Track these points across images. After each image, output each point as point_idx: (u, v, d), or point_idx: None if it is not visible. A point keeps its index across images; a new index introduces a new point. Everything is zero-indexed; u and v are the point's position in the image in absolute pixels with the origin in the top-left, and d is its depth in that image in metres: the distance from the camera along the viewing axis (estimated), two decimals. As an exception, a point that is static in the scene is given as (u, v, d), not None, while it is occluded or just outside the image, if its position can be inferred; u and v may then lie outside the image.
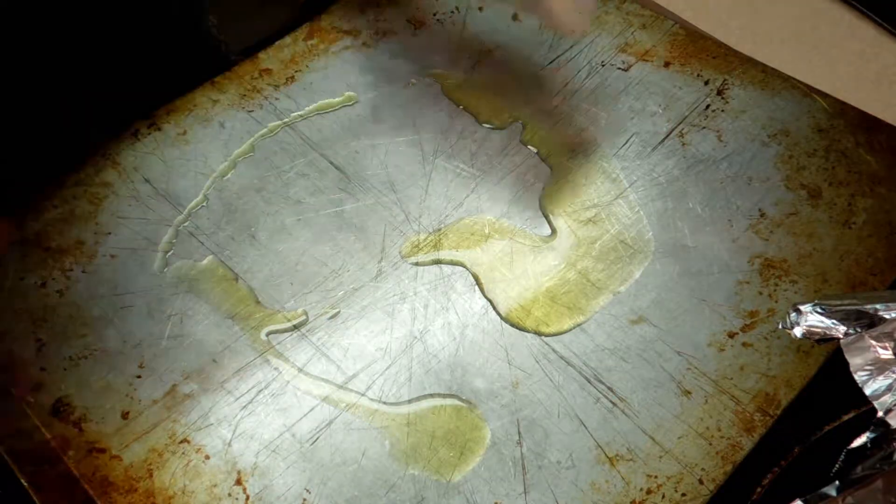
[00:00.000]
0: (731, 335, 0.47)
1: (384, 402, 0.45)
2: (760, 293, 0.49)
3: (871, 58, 0.59)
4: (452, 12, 0.64)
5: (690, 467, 0.43)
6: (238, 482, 0.43)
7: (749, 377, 0.46)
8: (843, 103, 0.56)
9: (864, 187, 0.53)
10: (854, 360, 0.38)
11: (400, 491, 0.43)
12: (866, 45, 0.60)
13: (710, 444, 0.44)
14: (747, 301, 0.48)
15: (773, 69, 0.59)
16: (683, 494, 0.42)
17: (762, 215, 0.52)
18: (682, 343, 0.47)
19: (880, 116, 0.55)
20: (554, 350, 0.47)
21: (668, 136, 0.56)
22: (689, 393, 0.45)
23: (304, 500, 0.42)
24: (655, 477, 0.43)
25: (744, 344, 0.47)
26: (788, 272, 0.49)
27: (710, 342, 0.47)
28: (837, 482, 0.37)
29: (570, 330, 0.48)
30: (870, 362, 0.38)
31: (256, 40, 0.62)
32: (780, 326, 0.42)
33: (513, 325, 0.48)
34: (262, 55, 0.62)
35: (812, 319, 0.41)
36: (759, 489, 0.42)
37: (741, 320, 0.48)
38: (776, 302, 0.48)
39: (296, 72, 0.61)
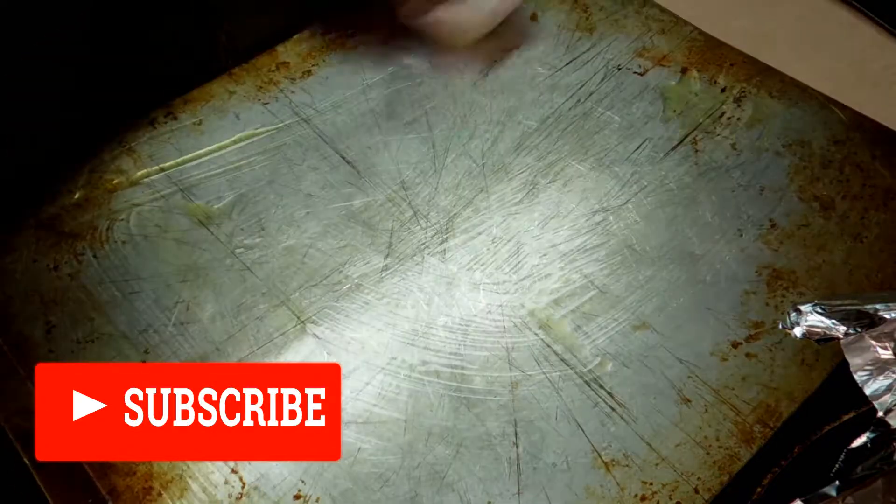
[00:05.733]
0: (735, 345, 0.47)
1: (382, 397, 0.46)
2: (767, 304, 0.48)
3: (871, 58, 0.58)
4: (471, 11, 0.64)
5: (686, 476, 0.43)
6: (234, 470, 0.43)
7: (750, 388, 0.45)
8: (862, 115, 0.55)
9: (878, 201, 0.52)
10: (854, 360, 0.38)
11: (394, 486, 0.43)
12: (866, 45, 0.59)
13: (708, 454, 0.44)
14: (753, 311, 0.48)
15: (791, 78, 0.58)
16: (678, 503, 0.42)
17: (773, 225, 0.51)
18: (684, 351, 0.47)
19: (879, 117, 0.54)
20: (555, 352, 0.47)
21: (681, 142, 0.56)
22: (689, 401, 0.45)
23: (300, 490, 0.43)
24: (650, 484, 0.43)
25: (747, 354, 0.47)
26: (796, 284, 0.49)
27: (713, 351, 0.47)
28: (837, 482, 0.37)
29: (573, 333, 0.48)
30: (870, 362, 0.38)
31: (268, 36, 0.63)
32: (780, 326, 0.41)
33: (515, 325, 0.48)
34: (279, 48, 0.63)
35: (812, 319, 0.40)
36: (758, 489, 0.42)
37: (746, 330, 0.47)
38: (782, 314, 0.48)
39: (312, 65, 0.62)
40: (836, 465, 0.38)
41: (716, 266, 0.50)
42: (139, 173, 0.55)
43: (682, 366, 0.46)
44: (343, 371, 0.47)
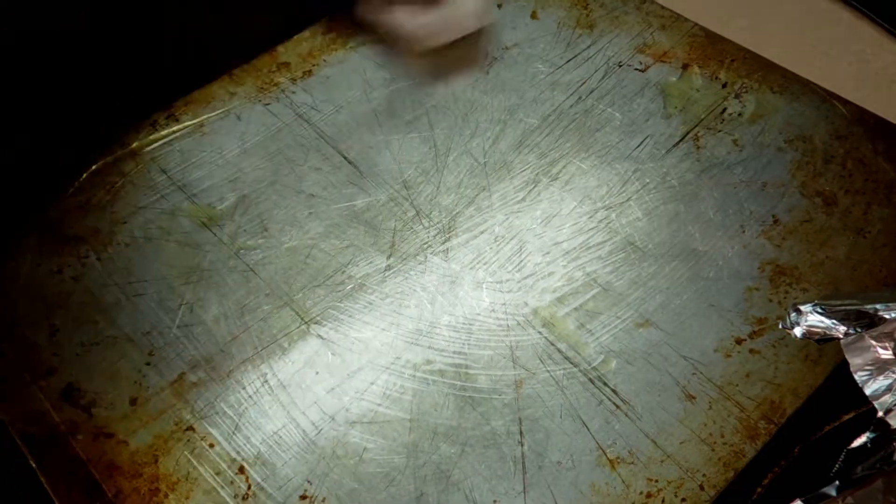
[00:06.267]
0: (739, 341, 0.47)
1: (387, 397, 0.46)
2: (770, 300, 0.48)
3: (870, 58, 0.58)
4: (471, 9, 0.64)
5: (691, 473, 0.43)
6: (241, 471, 0.43)
7: (755, 384, 0.45)
8: (864, 110, 0.55)
9: (880, 196, 0.52)
10: (854, 360, 0.38)
11: (400, 486, 0.43)
12: (866, 45, 0.59)
13: (713, 451, 0.44)
14: (756, 308, 0.48)
15: (793, 74, 0.58)
16: (683, 500, 0.42)
17: (775, 221, 0.51)
18: (688, 348, 0.47)
19: (880, 113, 0.54)
20: (559, 350, 0.47)
21: (682, 139, 0.56)
22: (694, 398, 0.45)
23: (305, 490, 0.43)
24: (656, 481, 0.43)
25: (751, 351, 0.47)
26: (799, 280, 0.49)
27: (717, 348, 0.47)
28: (837, 482, 0.37)
29: (576, 331, 0.48)
30: (870, 362, 0.38)
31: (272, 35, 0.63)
32: (780, 326, 0.42)
33: (519, 324, 0.48)
34: (280, 48, 0.63)
35: (812, 319, 0.40)
36: (759, 489, 0.42)
37: (749, 327, 0.47)
38: (785, 310, 0.48)
39: (313, 66, 0.62)
40: (836, 465, 0.37)
41: (718, 262, 0.50)
42: (141, 176, 0.55)
43: (686, 363, 0.46)
44: (347, 371, 0.47)
